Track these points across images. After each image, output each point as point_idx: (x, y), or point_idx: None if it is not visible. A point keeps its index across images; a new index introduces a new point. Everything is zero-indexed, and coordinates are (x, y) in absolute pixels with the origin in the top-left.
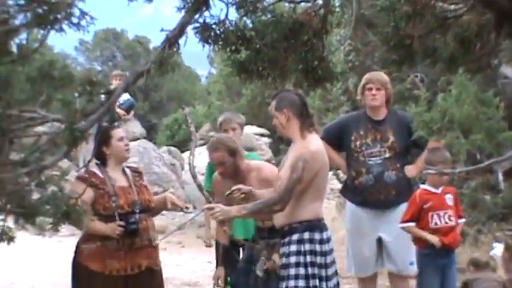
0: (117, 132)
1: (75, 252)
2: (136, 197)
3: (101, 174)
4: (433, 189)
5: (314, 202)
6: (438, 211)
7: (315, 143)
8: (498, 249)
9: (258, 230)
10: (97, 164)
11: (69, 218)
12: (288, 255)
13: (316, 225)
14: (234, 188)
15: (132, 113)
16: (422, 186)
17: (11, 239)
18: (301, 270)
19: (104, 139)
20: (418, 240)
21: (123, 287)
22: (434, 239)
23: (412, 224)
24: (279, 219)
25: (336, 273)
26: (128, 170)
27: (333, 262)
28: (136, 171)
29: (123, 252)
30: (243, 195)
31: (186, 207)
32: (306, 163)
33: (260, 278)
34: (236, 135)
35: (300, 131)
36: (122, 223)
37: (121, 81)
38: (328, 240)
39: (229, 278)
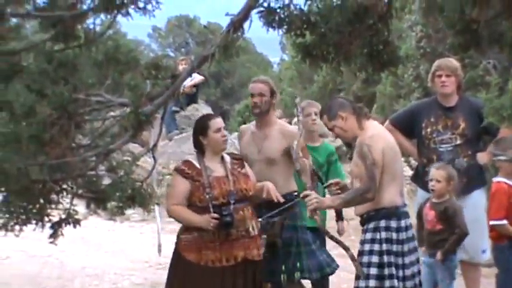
0: (215, 123)
1: (176, 242)
2: (232, 187)
3: (198, 165)
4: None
5: (389, 188)
6: None
7: (371, 128)
8: None
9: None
10: (196, 153)
11: (134, 202)
12: (363, 242)
13: (393, 212)
14: (332, 181)
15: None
16: (499, 179)
17: (76, 222)
18: (374, 258)
19: (200, 129)
20: (505, 237)
21: (219, 278)
22: None
23: (505, 222)
24: (359, 209)
25: (416, 261)
26: (227, 158)
27: (412, 251)
28: (237, 159)
29: (219, 243)
30: (338, 190)
31: (278, 201)
32: (369, 146)
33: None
34: (316, 119)
35: (358, 123)
36: (216, 215)
37: (186, 64)
38: (407, 228)
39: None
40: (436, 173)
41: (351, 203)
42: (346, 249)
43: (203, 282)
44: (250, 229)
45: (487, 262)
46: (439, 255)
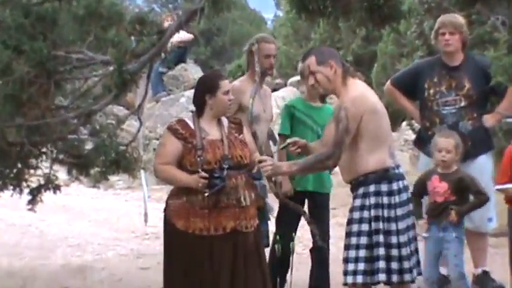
0: (225, 84)
1: (164, 207)
2: (226, 152)
3: (192, 125)
4: None
5: (375, 151)
6: None
7: (354, 88)
8: None
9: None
10: (193, 113)
11: (118, 167)
12: (352, 210)
13: (383, 175)
14: (290, 141)
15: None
16: None
17: (57, 188)
18: (364, 226)
19: (209, 87)
20: None
21: (207, 248)
22: None
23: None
24: (345, 176)
25: (412, 226)
26: (225, 121)
27: (407, 215)
28: (235, 123)
29: (207, 211)
30: (299, 150)
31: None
32: (347, 111)
33: None
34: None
35: (342, 78)
36: (205, 175)
37: (172, 20)
38: (400, 191)
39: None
40: (445, 142)
41: (310, 169)
42: (303, 213)
43: (191, 251)
44: (242, 199)
45: (494, 231)
46: (452, 215)
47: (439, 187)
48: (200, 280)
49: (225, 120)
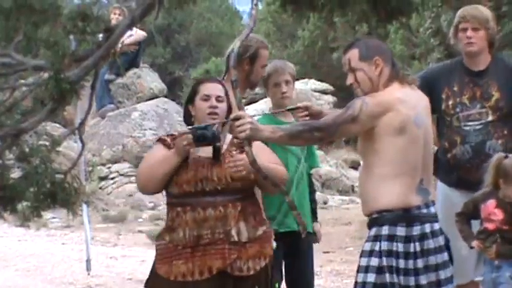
0: (205, 88)
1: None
2: (207, 173)
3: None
4: None
5: (395, 182)
6: None
7: (390, 91)
8: None
9: None
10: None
11: (54, 200)
12: (360, 255)
13: (401, 216)
14: (301, 104)
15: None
16: None
17: None
18: (370, 277)
19: (189, 96)
20: None
21: None
22: None
23: None
24: (362, 207)
25: (444, 282)
26: (227, 137)
27: (431, 267)
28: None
29: (190, 249)
30: (307, 117)
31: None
32: (363, 102)
33: None
34: (290, 90)
35: (387, 81)
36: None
37: (121, 15)
38: (425, 236)
39: None
40: None
41: (297, 138)
42: (276, 186)
43: None
44: (233, 232)
45: None
46: (491, 251)
47: (494, 214)
48: None
49: (228, 136)
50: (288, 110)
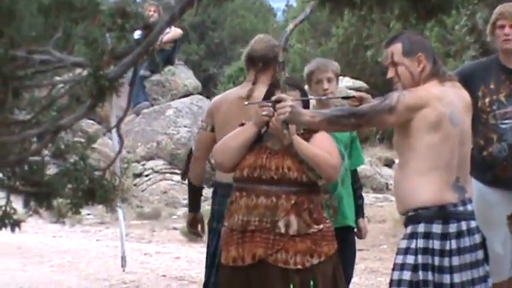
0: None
1: None
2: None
3: None
4: None
5: (431, 178)
6: None
7: (428, 88)
8: None
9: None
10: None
11: (93, 196)
12: (397, 253)
13: (437, 213)
14: (356, 94)
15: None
16: None
17: (16, 224)
18: (405, 275)
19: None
20: None
21: (243, 282)
22: None
23: None
24: (397, 206)
25: (473, 282)
26: (292, 127)
27: (467, 265)
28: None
29: (240, 235)
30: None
31: None
32: (402, 96)
33: None
34: (332, 87)
35: (428, 78)
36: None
37: (157, 12)
38: (461, 234)
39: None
40: None
41: (335, 123)
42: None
43: (226, 286)
44: (280, 224)
45: None
46: None
47: None
48: None
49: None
50: (343, 98)
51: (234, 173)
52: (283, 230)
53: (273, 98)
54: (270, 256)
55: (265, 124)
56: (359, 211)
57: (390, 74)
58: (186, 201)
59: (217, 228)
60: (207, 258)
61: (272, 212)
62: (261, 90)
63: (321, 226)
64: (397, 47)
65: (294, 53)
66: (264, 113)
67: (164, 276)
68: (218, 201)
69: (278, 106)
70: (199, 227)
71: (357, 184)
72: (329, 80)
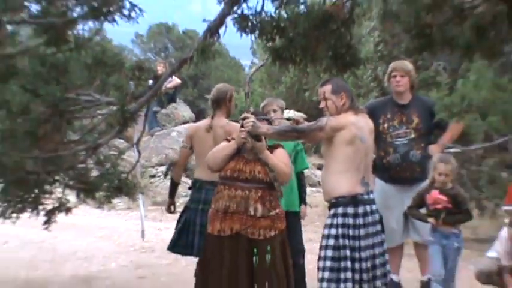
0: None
1: None
2: (241, 166)
3: None
4: None
5: (347, 177)
6: None
7: (346, 116)
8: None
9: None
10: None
11: (120, 191)
12: (324, 227)
13: (350, 200)
14: (294, 116)
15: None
16: None
17: (68, 210)
18: (330, 241)
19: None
20: None
21: (220, 246)
22: None
23: None
24: (324, 196)
25: (378, 244)
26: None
27: (369, 235)
28: (271, 146)
29: (223, 214)
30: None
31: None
32: (329, 120)
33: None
34: (278, 117)
35: (346, 110)
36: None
37: (164, 67)
38: (366, 214)
39: None
40: (445, 167)
41: (283, 135)
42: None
43: (211, 249)
44: (251, 209)
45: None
46: (439, 222)
47: (440, 198)
48: (220, 269)
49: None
50: (286, 119)
51: (219, 173)
52: (252, 213)
53: (241, 117)
54: (243, 230)
55: (243, 143)
56: (302, 200)
57: (322, 105)
58: (184, 193)
59: (189, 207)
60: (177, 224)
61: (245, 201)
62: (219, 121)
63: (277, 211)
64: (328, 87)
65: (257, 95)
66: (242, 136)
67: None
68: (196, 190)
69: (245, 122)
70: (172, 208)
71: (302, 182)
72: (274, 111)
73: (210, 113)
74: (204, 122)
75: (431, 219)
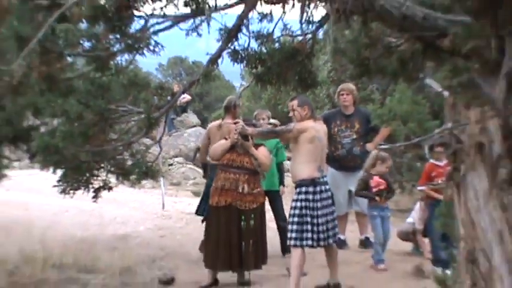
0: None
1: None
2: (234, 157)
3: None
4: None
5: (308, 166)
6: None
7: (307, 122)
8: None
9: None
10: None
11: (147, 175)
12: (292, 200)
13: (310, 182)
14: (273, 121)
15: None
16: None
17: (110, 188)
18: (295, 211)
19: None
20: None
21: (218, 214)
22: None
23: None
24: (292, 179)
25: (330, 213)
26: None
27: (324, 206)
28: (256, 145)
29: (220, 190)
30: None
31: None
32: (296, 125)
33: None
34: (265, 123)
35: (307, 118)
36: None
37: (179, 87)
38: (321, 191)
39: None
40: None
41: (264, 135)
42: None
43: (212, 216)
44: (240, 188)
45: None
46: (382, 200)
47: (381, 182)
48: (217, 232)
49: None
50: (268, 123)
51: (219, 162)
52: (241, 191)
53: (233, 121)
54: (234, 202)
55: (236, 141)
56: (281, 183)
57: (291, 114)
58: (193, 177)
59: (208, 182)
60: (203, 195)
61: (236, 182)
62: (227, 121)
63: (258, 189)
64: (295, 102)
65: (245, 108)
66: (235, 136)
67: (183, 212)
68: (209, 171)
69: (236, 125)
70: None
71: (282, 170)
72: (263, 119)
73: (212, 120)
74: (216, 122)
75: (377, 198)
